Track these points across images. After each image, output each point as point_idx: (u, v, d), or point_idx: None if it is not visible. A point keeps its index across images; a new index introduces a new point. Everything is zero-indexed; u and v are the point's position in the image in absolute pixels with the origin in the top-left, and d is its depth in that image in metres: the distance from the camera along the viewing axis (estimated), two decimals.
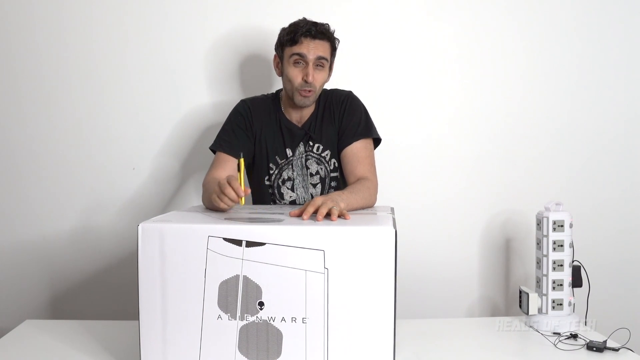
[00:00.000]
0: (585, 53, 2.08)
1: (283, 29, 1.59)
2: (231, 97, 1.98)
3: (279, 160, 1.64)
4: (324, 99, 1.66)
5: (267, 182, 1.66)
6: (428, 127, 2.06)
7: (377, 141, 1.66)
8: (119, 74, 2.00)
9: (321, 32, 1.54)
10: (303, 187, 1.65)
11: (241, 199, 1.28)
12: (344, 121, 1.62)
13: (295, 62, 1.55)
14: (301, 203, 1.64)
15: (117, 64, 1.99)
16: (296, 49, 1.53)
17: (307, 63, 1.54)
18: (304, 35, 1.52)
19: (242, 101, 1.69)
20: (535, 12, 2.05)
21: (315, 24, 1.55)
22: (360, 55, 2.02)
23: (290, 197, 1.65)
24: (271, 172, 1.65)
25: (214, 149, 1.63)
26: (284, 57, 1.58)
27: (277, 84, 1.76)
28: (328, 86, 1.70)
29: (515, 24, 2.05)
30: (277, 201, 1.66)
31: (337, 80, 1.75)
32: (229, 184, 1.27)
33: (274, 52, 1.64)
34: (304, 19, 1.57)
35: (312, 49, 1.53)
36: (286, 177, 1.64)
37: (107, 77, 2.00)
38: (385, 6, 2.02)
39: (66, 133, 2.01)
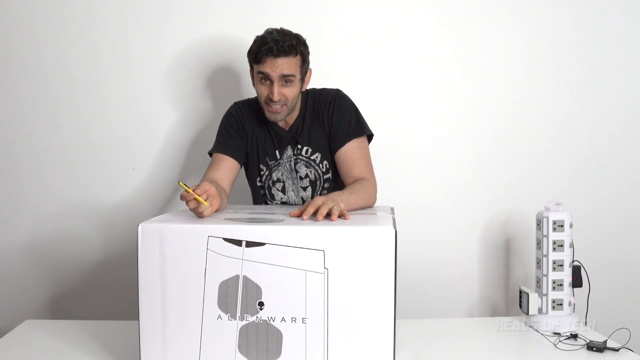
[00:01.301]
0: (585, 53, 2.08)
1: (253, 43, 1.53)
2: (232, 98, 1.98)
3: (269, 162, 1.64)
4: (311, 100, 1.63)
5: (259, 183, 1.66)
6: (428, 127, 2.06)
7: (370, 137, 1.63)
8: (119, 74, 2.00)
9: (283, 51, 1.46)
10: (293, 190, 1.64)
11: (197, 198, 1.20)
12: (334, 123, 1.59)
13: (261, 80, 1.51)
14: (293, 205, 1.63)
15: (117, 64, 1.99)
16: (260, 67, 1.49)
17: (272, 81, 1.49)
18: (266, 55, 1.46)
19: (235, 103, 1.69)
20: (535, 12, 2.05)
21: (277, 41, 1.46)
22: (359, 55, 2.02)
23: (281, 199, 1.65)
24: (262, 173, 1.65)
25: (210, 152, 1.64)
26: (253, 72, 1.55)
27: None
28: (335, 85, 1.66)
29: (515, 24, 2.05)
30: (269, 202, 1.67)
31: (338, 80, 1.75)
32: (184, 198, 1.21)
33: None
34: (271, 32, 1.49)
35: (276, 67, 1.47)
36: (276, 179, 1.64)
37: (107, 77, 2.00)
38: (384, 5, 2.02)
39: (66, 133, 2.01)
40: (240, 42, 1.99)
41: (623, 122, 2.10)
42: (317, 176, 1.63)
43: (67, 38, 1.98)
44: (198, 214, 1.23)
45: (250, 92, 1.97)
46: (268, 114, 1.55)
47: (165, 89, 2.00)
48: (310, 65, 1.58)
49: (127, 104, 2.00)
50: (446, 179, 2.06)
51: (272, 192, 1.65)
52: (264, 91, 1.52)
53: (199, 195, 1.19)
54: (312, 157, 1.62)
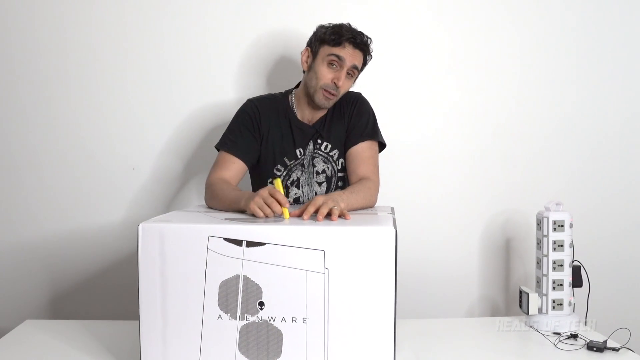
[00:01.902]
0: (585, 53, 2.08)
1: (322, 26, 1.58)
2: (234, 98, 1.98)
3: (288, 162, 1.63)
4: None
5: (270, 185, 1.65)
6: (428, 127, 2.06)
7: (382, 146, 1.67)
8: (120, 73, 1.99)
9: (365, 44, 1.56)
10: (308, 184, 1.64)
11: (285, 211, 1.25)
12: (353, 121, 1.63)
13: (330, 63, 1.55)
14: (304, 201, 1.63)
15: (118, 63, 1.99)
16: (337, 50, 1.54)
17: (342, 67, 1.54)
18: (348, 41, 1.53)
19: (249, 100, 1.67)
20: (535, 12, 2.05)
21: (361, 33, 1.56)
22: None
23: (295, 194, 1.65)
24: (279, 174, 1.63)
25: (218, 147, 1.62)
26: (318, 53, 1.57)
27: (282, 86, 1.76)
28: None
29: (516, 24, 2.05)
30: None
31: None
32: (273, 196, 1.26)
33: (280, 54, 1.64)
34: (349, 25, 1.57)
35: (351, 56, 1.54)
36: (295, 178, 1.64)
37: (107, 76, 1.99)
38: (386, 6, 2.02)
39: (66, 133, 2.00)
40: (246, 41, 2.00)
41: (623, 122, 2.10)
42: (333, 172, 1.64)
43: (68, 35, 1.98)
44: (259, 214, 1.24)
45: (253, 92, 1.97)
46: (320, 98, 1.57)
47: (166, 88, 2.00)
48: None
49: (127, 103, 2.00)
50: (446, 179, 2.06)
51: (289, 191, 1.64)
52: (329, 75, 1.55)
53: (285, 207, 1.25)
54: (330, 153, 1.64)
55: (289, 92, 1.69)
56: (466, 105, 2.06)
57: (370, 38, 1.59)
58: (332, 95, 1.56)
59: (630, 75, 2.10)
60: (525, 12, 2.05)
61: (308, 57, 1.60)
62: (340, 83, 1.54)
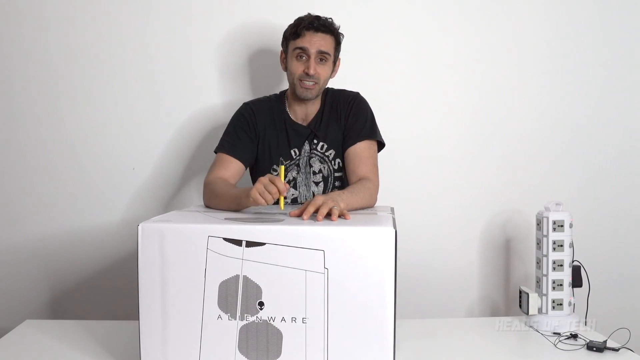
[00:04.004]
0: (584, 53, 2.07)
1: (289, 25, 1.61)
2: (235, 99, 1.98)
3: (284, 162, 1.64)
4: (330, 99, 1.66)
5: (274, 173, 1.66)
6: (428, 127, 2.06)
7: (380, 145, 1.67)
8: (119, 73, 1.99)
9: (324, 26, 1.56)
10: (305, 185, 1.65)
11: (281, 199, 1.28)
12: (350, 121, 1.63)
13: (298, 56, 1.57)
14: (302, 202, 1.64)
15: (118, 63, 1.99)
16: (299, 42, 1.56)
17: (309, 56, 1.55)
18: (307, 29, 1.55)
19: (245, 104, 1.70)
20: (536, 14, 2.05)
21: (318, 17, 1.57)
22: (361, 56, 2.02)
23: (293, 194, 1.65)
24: (275, 174, 1.64)
25: (216, 150, 1.64)
26: (288, 51, 1.60)
27: (283, 85, 1.76)
28: (335, 86, 1.71)
29: (516, 25, 2.05)
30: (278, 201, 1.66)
31: (339, 80, 1.75)
32: (273, 182, 1.28)
33: (279, 53, 1.65)
34: (309, 14, 1.59)
35: (314, 42, 1.55)
36: (290, 178, 1.65)
37: (108, 76, 1.99)
38: (388, 7, 2.02)
39: (66, 133, 2.00)
40: (247, 42, 2.00)
41: (623, 122, 2.10)
42: (330, 172, 1.64)
43: (71, 36, 1.97)
44: (260, 201, 1.27)
45: (256, 93, 1.97)
46: (300, 90, 1.59)
47: (166, 88, 2.00)
48: None
49: (127, 103, 2.00)
50: (446, 179, 2.06)
51: None
52: (299, 67, 1.57)
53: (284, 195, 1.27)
54: (326, 153, 1.64)
55: (283, 92, 1.71)
56: (466, 105, 2.06)
57: (331, 18, 1.60)
58: (310, 84, 1.57)
59: (630, 75, 2.09)
60: (525, 12, 2.05)
61: (283, 58, 1.64)
62: (311, 71, 1.55)
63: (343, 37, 1.63)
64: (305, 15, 1.59)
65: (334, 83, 1.72)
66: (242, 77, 2.01)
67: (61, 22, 1.98)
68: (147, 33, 1.99)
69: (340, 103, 1.65)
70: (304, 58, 1.56)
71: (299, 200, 1.65)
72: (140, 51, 1.99)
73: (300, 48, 1.55)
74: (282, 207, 1.32)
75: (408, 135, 2.05)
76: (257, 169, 1.68)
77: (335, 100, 1.65)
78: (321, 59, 1.57)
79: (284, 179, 1.28)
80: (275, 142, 1.64)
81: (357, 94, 1.68)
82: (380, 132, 1.67)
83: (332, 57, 1.59)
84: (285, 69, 1.64)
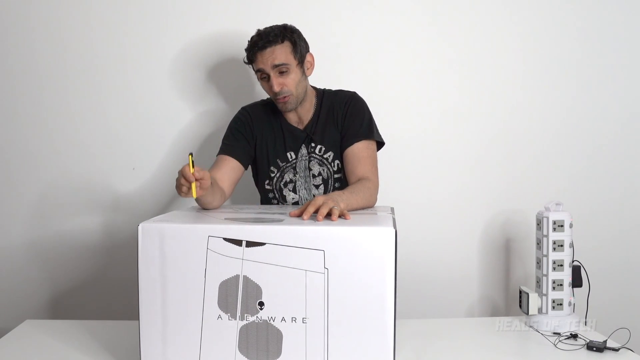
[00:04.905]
0: (585, 53, 2.07)
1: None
2: (236, 98, 1.98)
3: (280, 163, 1.65)
4: (327, 100, 1.66)
5: (267, 186, 1.67)
6: (428, 127, 2.06)
7: (379, 145, 1.67)
8: (120, 73, 1.99)
9: (267, 40, 1.51)
10: (306, 188, 1.65)
11: (193, 186, 1.25)
12: (347, 122, 1.62)
13: (261, 78, 1.57)
14: (295, 205, 1.64)
15: (119, 64, 1.99)
16: (255, 66, 1.56)
17: (268, 75, 1.54)
18: (255, 51, 1.53)
19: (242, 108, 1.71)
20: (535, 12, 2.05)
21: (261, 35, 1.53)
22: (360, 55, 2.02)
23: (293, 198, 1.66)
24: (272, 175, 1.65)
25: (217, 155, 1.65)
26: (256, 74, 1.61)
27: None
28: (334, 86, 1.70)
29: (516, 24, 2.05)
30: (280, 203, 1.67)
31: (338, 80, 1.75)
32: (180, 172, 1.26)
33: None
34: (257, 32, 1.55)
35: (266, 60, 1.52)
36: (288, 180, 1.65)
37: (108, 76, 1.99)
38: (386, 6, 2.02)
39: (66, 133, 2.00)
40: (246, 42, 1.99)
41: (623, 122, 2.10)
42: (329, 174, 1.64)
43: (68, 37, 1.98)
44: (180, 192, 1.27)
45: (258, 96, 1.97)
46: (280, 106, 1.59)
47: (167, 88, 2.00)
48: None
49: (127, 103, 2.00)
50: (446, 178, 2.06)
51: (284, 193, 1.66)
52: (267, 87, 1.57)
53: (195, 182, 1.24)
54: (324, 156, 1.64)
55: None
56: (466, 105, 2.06)
57: (281, 26, 1.54)
58: (284, 98, 1.56)
59: (630, 75, 2.09)
60: (526, 12, 2.05)
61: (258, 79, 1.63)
62: (275, 88, 1.53)
63: (300, 37, 1.57)
64: (253, 36, 1.55)
65: (334, 83, 1.72)
66: (243, 79, 2.01)
67: (57, 22, 1.98)
68: (148, 33, 1.99)
69: (337, 104, 1.64)
70: (265, 78, 1.55)
71: (299, 203, 1.65)
72: (141, 51, 1.99)
73: (259, 70, 1.55)
74: (194, 195, 1.26)
75: (408, 136, 2.05)
76: (257, 169, 1.70)
77: (331, 102, 1.65)
78: (281, 72, 1.53)
79: (192, 167, 1.25)
80: (272, 145, 1.65)
81: (354, 93, 1.67)
82: (379, 131, 1.66)
83: (293, 63, 1.54)
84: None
